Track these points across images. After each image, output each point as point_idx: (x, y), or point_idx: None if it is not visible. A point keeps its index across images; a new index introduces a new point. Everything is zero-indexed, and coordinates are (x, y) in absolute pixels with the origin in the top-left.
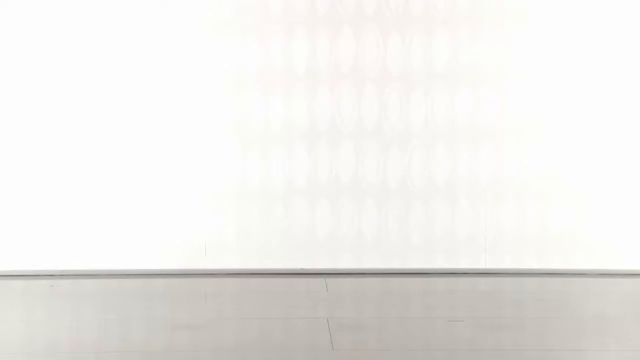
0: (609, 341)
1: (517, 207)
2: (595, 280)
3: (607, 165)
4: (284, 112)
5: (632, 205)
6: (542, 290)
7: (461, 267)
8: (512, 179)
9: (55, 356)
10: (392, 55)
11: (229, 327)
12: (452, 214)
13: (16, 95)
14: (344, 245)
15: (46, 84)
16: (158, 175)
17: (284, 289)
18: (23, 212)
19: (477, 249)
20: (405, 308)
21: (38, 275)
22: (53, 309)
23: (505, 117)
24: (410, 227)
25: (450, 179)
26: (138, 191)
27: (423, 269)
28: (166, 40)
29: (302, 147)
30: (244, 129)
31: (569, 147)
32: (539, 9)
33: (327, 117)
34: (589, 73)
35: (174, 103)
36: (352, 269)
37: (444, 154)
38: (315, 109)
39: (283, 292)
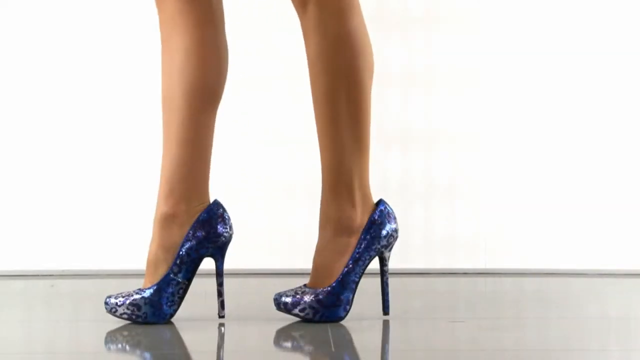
0: (609, 341)
1: (517, 207)
2: (595, 280)
3: (607, 165)
4: (284, 111)
5: (633, 205)
6: (542, 290)
7: (461, 267)
8: (511, 178)
9: (55, 356)
10: (392, 55)
11: (230, 328)
12: (453, 214)
13: (16, 95)
14: None
15: (47, 84)
16: (158, 175)
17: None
18: (23, 212)
19: (477, 249)
20: (405, 308)
21: (38, 275)
22: (53, 309)
23: (498, 118)
24: (411, 227)
25: (450, 178)
26: (138, 191)
27: (423, 269)
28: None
29: (303, 147)
30: (244, 129)
31: (566, 145)
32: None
33: None
34: (584, 65)
35: None
36: None
37: (444, 154)
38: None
39: None
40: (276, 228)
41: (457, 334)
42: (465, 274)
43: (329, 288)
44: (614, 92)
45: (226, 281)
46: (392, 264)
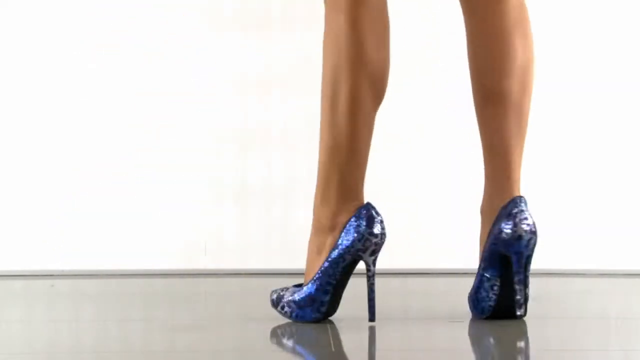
0: (609, 341)
1: None
2: (595, 280)
3: (607, 165)
4: (284, 111)
5: (632, 205)
6: (542, 290)
7: (461, 267)
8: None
9: (55, 356)
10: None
11: (230, 328)
12: (453, 214)
13: (16, 95)
14: None
15: (46, 84)
16: (158, 175)
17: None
18: (23, 212)
19: (477, 249)
20: (405, 308)
21: (38, 275)
22: (53, 309)
23: None
24: (411, 227)
25: (450, 178)
26: (138, 191)
27: (423, 269)
28: (166, 40)
29: (302, 147)
30: (244, 129)
31: (566, 145)
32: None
33: None
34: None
35: (173, 103)
36: None
37: (443, 154)
38: (315, 109)
39: None
40: (276, 228)
41: (457, 334)
42: (465, 274)
43: (304, 287)
44: (611, 92)
45: (225, 281)
46: (392, 264)
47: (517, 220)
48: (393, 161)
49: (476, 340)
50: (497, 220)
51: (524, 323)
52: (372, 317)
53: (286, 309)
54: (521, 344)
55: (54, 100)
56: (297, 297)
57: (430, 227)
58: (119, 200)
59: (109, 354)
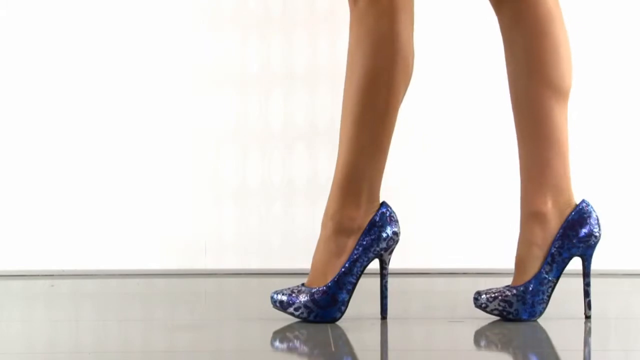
0: (609, 341)
1: (516, 207)
2: (596, 280)
3: (606, 165)
4: (284, 111)
5: (632, 205)
6: None
7: (460, 267)
8: (510, 178)
9: (55, 356)
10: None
11: (230, 328)
12: (452, 214)
13: (16, 95)
14: None
15: (46, 83)
16: (158, 175)
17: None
18: (23, 212)
19: (477, 249)
20: (405, 308)
21: (38, 275)
22: (53, 309)
23: (497, 117)
24: (411, 227)
25: (449, 178)
26: (138, 191)
27: (423, 269)
28: (165, 40)
29: (302, 147)
30: (244, 129)
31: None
32: None
33: (327, 117)
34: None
35: (173, 103)
36: None
37: (443, 153)
38: (315, 109)
39: None
40: (276, 228)
41: (457, 334)
42: (465, 274)
43: (324, 288)
44: (609, 91)
45: (225, 281)
46: (392, 263)
47: (599, 222)
48: (393, 162)
49: (476, 340)
50: (573, 223)
51: (524, 323)
52: (384, 315)
53: (302, 310)
54: (521, 344)
55: (53, 100)
56: (316, 297)
57: (431, 227)
58: (119, 200)
59: (109, 354)
